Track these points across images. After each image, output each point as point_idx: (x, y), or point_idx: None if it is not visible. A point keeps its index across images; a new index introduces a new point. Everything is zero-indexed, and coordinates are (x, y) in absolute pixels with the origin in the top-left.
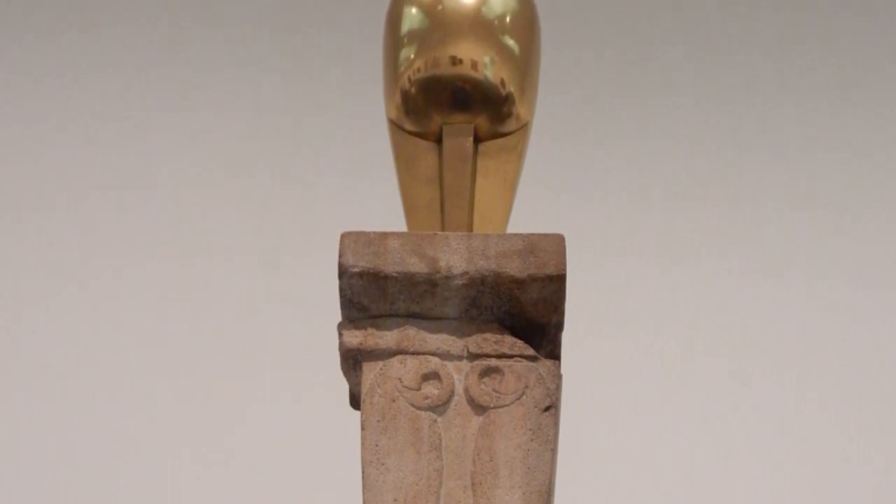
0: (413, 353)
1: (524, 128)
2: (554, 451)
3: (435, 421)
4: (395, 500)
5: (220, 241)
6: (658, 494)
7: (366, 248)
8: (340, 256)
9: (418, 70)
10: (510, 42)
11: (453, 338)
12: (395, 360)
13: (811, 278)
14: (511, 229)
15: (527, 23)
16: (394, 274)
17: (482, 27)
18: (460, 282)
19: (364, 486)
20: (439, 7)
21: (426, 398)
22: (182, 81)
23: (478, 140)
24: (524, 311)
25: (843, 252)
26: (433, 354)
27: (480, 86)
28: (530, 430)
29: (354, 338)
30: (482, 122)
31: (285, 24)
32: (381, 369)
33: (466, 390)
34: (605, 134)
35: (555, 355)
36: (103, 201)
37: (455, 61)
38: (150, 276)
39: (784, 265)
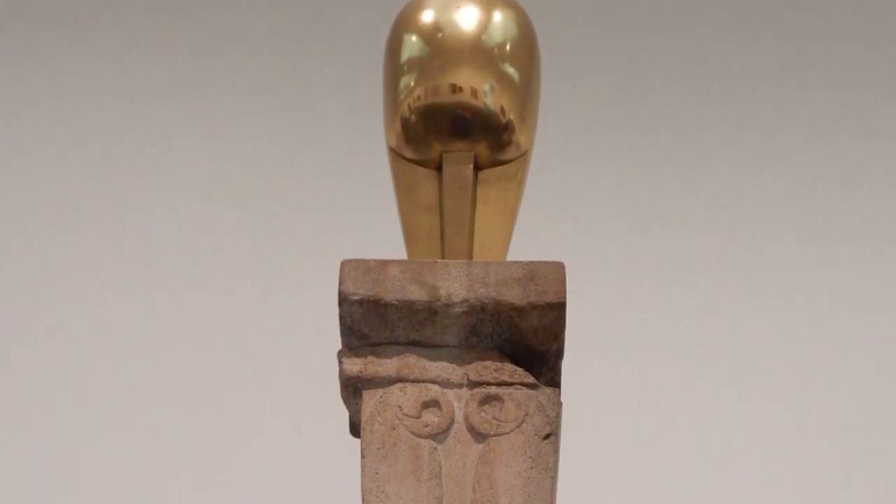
0: (413, 381)
1: (524, 155)
2: (554, 478)
3: (435, 449)
4: None
5: (221, 268)
6: None
7: (366, 275)
8: (340, 284)
9: (418, 98)
10: (510, 70)
11: (453, 365)
12: (395, 388)
13: (812, 304)
14: (511, 257)
15: (527, 50)
16: (394, 302)
17: (482, 55)
18: (460, 309)
19: None
20: (439, 35)
21: (426, 426)
22: (181, 109)
23: (478, 168)
24: (524, 338)
25: (844, 277)
26: (433, 382)
27: (480, 113)
28: (530, 457)
29: (354, 365)
30: (482, 149)
31: (285, 53)
32: (381, 397)
33: (466, 418)
34: (605, 162)
35: (555, 383)
36: (103, 229)
37: (455, 89)
38: (150, 304)
39: (785, 291)
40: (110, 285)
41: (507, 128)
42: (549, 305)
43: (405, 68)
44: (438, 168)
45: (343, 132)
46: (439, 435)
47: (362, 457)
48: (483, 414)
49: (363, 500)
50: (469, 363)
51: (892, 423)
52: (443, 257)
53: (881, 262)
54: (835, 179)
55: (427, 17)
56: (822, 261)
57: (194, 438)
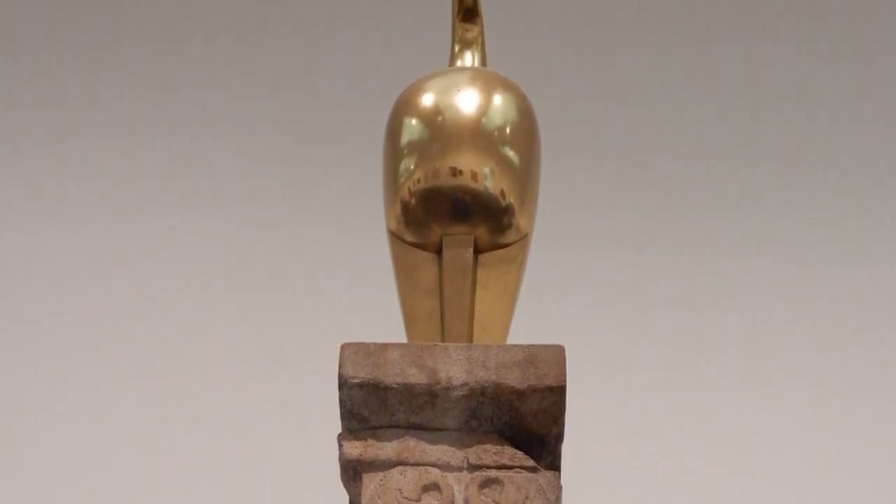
0: (413, 464)
1: (524, 238)
2: None
3: None
4: None
5: (222, 351)
6: None
7: (366, 359)
8: (340, 367)
9: (418, 181)
10: (510, 153)
11: (453, 449)
12: (395, 471)
13: (810, 387)
14: (511, 340)
15: (527, 134)
16: (394, 385)
17: (482, 138)
18: (460, 393)
19: None
20: (439, 118)
21: None
22: (183, 193)
23: (478, 251)
24: (524, 421)
25: (840, 361)
26: (433, 465)
27: (480, 197)
28: None
29: (354, 449)
30: (482, 232)
31: (285, 137)
32: (381, 480)
33: (466, 501)
34: (604, 245)
35: (555, 466)
36: (104, 311)
37: (455, 172)
38: (150, 386)
39: (783, 374)
40: (112, 367)
41: (508, 211)
42: (549, 389)
43: (405, 151)
44: (438, 251)
45: (343, 215)
46: None
47: None
48: (483, 497)
49: None
50: (469, 446)
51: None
52: (443, 340)
53: (880, 346)
54: (836, 265)
55: (427, 100)
56: (821, 344)
57: None
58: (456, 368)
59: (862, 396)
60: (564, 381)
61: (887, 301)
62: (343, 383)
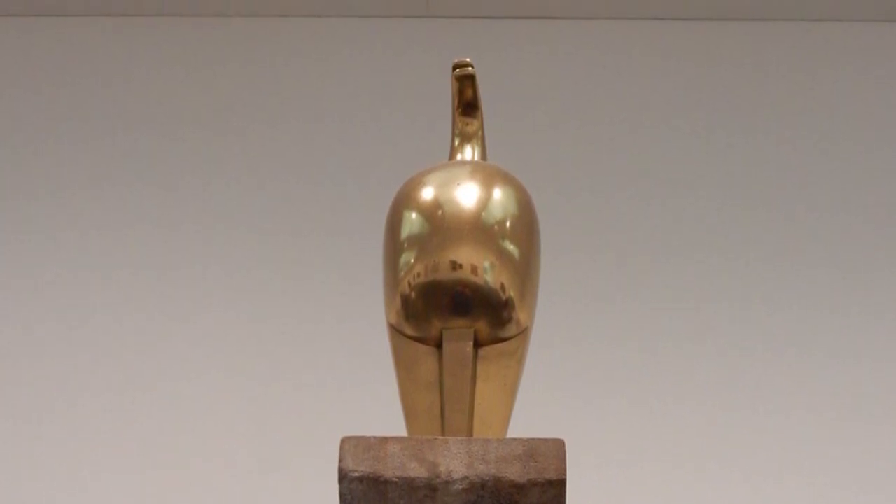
0: None
1: (524, 332)
2: None
3: None
4: None
5: (219, 445)
6: None
7: (366, 452)
8: (340, 461)
9: (418, 275)
10: (510, 247)
11: None
12: None
13: (811, 483)
14: (511, 434)
15: (527, 228)
16: (394, 479)
17: (482, 232)
18: (460, 486)
19: None
20: (439, 212)
21: None
22: (181, 286)
23: (478, 345)
24: None
25: (847, 456)
26: None
27: (480, 291)
28: None
29: None
30: (482, 326)
31: (284, 230)
32: None
33: None
34: (604, 339)
35: None
36: (102, 403)
37: (455, 266)
38: (148, 480)
39: (789, 471)
40: (106, 462)
41: (508, 305)
42: (549, 482)
43: (405, 245)
44: (439, 345)
45: (342, 309)
46: None
47: None
48: None
49: None
50: None
51: None
52: (443, 434)
53: (884, 440)
54: (841, 359)
55: (427, 194)
56: (827, 440)
57: None
58: (456, 462)
59: (869, 491)
60: (564, 474)
61: (892, 394)
62: (343, 477)
